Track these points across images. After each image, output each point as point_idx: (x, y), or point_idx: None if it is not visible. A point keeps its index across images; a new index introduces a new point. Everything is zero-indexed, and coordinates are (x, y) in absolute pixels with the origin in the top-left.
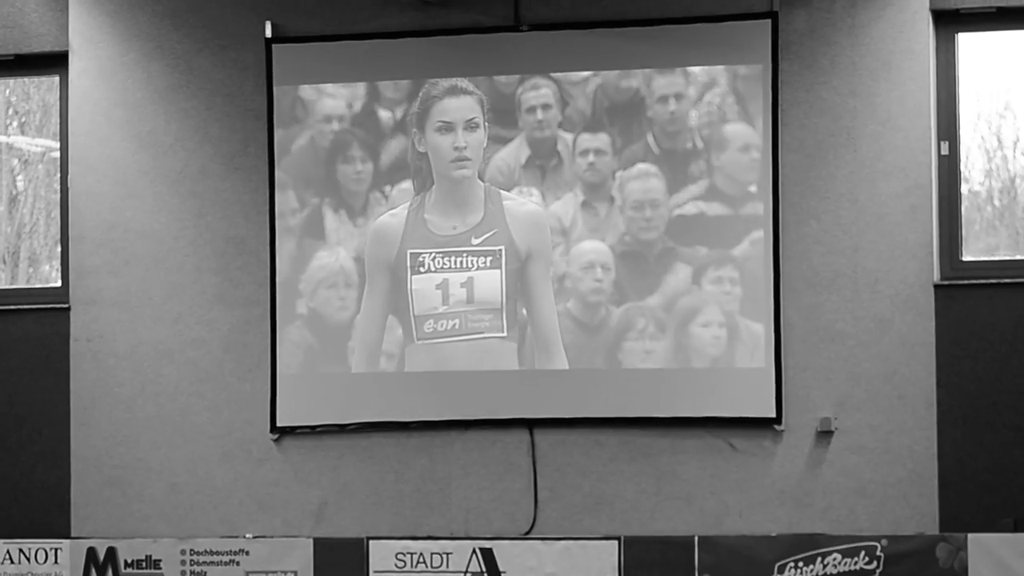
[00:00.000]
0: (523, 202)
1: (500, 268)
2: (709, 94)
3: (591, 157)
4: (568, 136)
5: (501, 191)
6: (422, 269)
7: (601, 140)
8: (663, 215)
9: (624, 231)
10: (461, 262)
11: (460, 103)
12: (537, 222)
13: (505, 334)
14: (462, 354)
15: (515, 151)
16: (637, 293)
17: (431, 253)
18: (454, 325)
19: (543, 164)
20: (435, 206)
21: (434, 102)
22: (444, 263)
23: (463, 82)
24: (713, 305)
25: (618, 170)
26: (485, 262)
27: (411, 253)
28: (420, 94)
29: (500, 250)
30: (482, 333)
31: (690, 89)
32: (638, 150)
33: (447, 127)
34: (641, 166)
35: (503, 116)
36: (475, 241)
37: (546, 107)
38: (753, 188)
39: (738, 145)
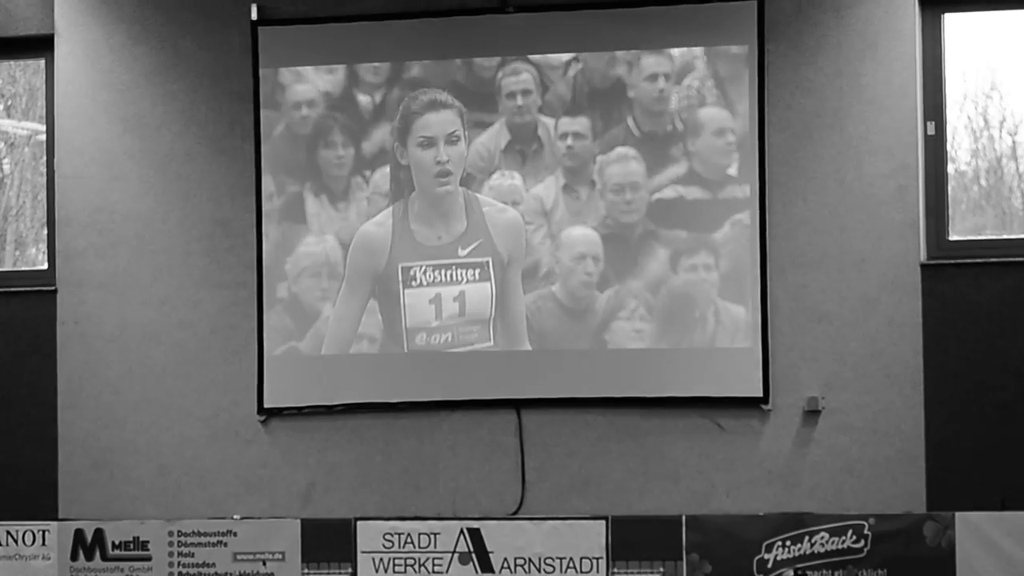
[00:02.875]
0: (501, 208)
1: (489, 280)
2: (688, 77)
3: (571, 141)
4: (549, 121)
5: (479, 196)
6: (414, 283)
7: (581, 124)
8: (643, 198)
9: (605, 215)
10: (451, 275)
11: (441, 117)
12: (516, 228)
13: (492, 343)
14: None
15: (495, 136)
16: (619, 276)
17: (421, 266)
18: (447, 339)
19: (523, 149)
20: (419, 216)
21: (415, 117)
22: (435, 276)
23: (442, 95)
24: (695, 288)
25: (599, 154)
26: (474, 275)
27: (402, 267)
28: (400, 108)
29: (487, 261)
30: (472, 344)
31: (675, 69)
32: (618, 133)
33: (429, 142)
34: (620, 149)
35: (483, 101)
36: (462, 252)
37: (526, 92)
38: (732, 171)
39: (713, 129)
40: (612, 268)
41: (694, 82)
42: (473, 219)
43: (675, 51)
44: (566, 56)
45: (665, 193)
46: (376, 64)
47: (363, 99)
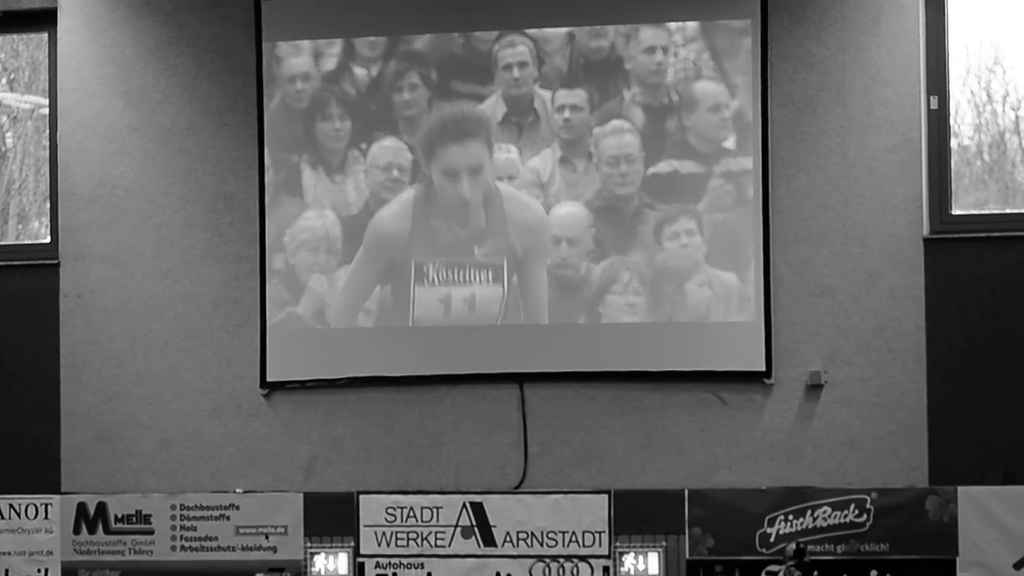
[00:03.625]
0: (524, 203)
1: (502, 283)
2: (684, 50)
3: (567, 113)
4: (545, 93)
5: (502, 188)
6: (425, 281)
7: (578, 96)
8: (638, 171)
9: (601, 187)
10: (464, 275)
11: (465, 152)
12: (536, 224)
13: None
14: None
15: (491, 108)
16: (616, 249)
17: (435, 263)
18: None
19: (520, 121)
20: (438, 211)
21: (439, 142)
22: (448, 275)
23: (471, 109)
24: (688, 259)
25: (595, 126)
26: (487, 276)
27: (416, 262)
28: (426, 124)
29: (502, 263)
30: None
31: (674, 40)
32: (614, 106)
33: (452, 173)
34: (615, 123)
35: (479, 73)
36: (477, 251)
37: (522, 64)
38: (729, 144)
39: (709, 104)
40: (609, 243)
41: (690, 55)
42: (493, 216)
43: (673, 24)
44: (563, 29)
45: (660, 167)
46: (373, 38)
47: (359, 72)
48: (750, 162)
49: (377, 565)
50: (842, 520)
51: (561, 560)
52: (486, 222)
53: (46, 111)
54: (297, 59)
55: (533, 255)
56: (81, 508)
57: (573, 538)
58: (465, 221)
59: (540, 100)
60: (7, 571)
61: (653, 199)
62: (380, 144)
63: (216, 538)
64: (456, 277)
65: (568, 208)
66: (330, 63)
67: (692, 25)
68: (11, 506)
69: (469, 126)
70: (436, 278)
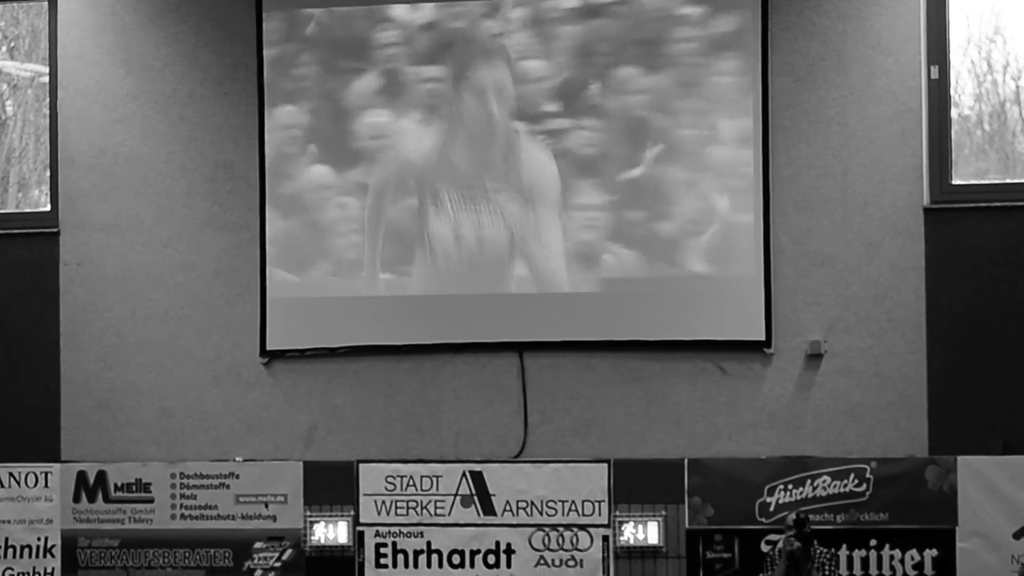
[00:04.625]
0: (536, 147)
1: (511, 225)
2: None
3: None
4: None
5: (519, 129)
6: (441, 213)
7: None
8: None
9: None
10: (478, 210)
11: (493, 73)
12: (547, 172)
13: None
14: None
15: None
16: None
17: (453, 194)
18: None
19: None
20: (459, 146)
21: (467, 65)
22: (463, 208)
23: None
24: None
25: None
26: (499, 213)
27: (431, 191)
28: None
29: (513, 203)
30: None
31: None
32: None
33: (480, 94)
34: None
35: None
36: (490, 186)
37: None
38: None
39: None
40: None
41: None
42: (509, 156)
43: None
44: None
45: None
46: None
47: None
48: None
49: (377, 534)
50: (842, 490)
51: (560, 529)
52: (504, 163)
53: (46, 79)
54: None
55: (544, 200)
56: (81, 477)
57: (573, 507)
58: (485, 149)
59: None
60: (7, 539)
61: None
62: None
63: (216, 507)
64: (470, 210)
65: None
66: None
67: None
68: (11, 474)
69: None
70: (452, 209)
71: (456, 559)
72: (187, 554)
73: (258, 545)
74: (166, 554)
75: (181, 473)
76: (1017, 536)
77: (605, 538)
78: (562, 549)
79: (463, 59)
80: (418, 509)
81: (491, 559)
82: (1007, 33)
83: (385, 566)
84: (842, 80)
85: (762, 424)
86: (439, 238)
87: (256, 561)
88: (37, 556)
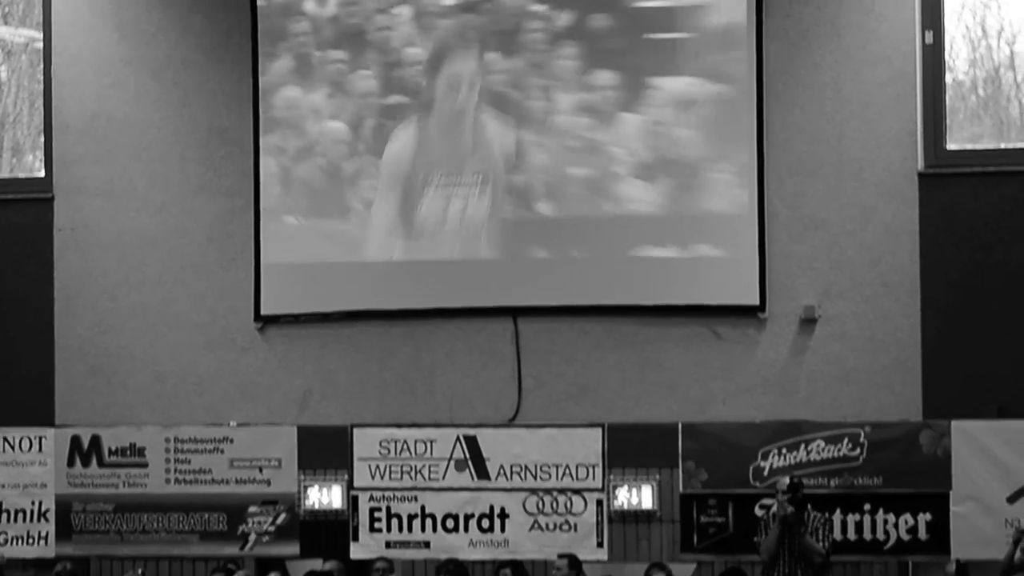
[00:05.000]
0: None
1: (488, 194)
2: None
3: None
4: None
5: (483, 114)
6: (429, 191)
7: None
8: None
9: None
10: (458, 187)
11: (466, 67)
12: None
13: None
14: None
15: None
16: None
17: (437, 175)
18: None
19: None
20: (436, 131)
21: (443, 57)
22: (446, 185)
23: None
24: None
25: None
26: (476, 186)
27: (422, 174)
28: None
29: (489, 176)
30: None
31: None
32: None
33: (454, 84)
34: None
35: None
36: (468, 168)
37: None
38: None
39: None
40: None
41: None
42: (479, 136)
43: None
44: None
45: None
46: None
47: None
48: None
49: (371, 498)
50: (836, 454)
51: (555, 493)
52: (473, 143)
53: (40, 44)
54: None
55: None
56: (75, 441)
57: (567, 471)
58: (460, 138)
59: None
60: (1, 504)
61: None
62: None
63: (210, 471)
64: (453, 187)
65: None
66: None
67: None
68: (5, 439)
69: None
70: (436, 188)
71: (450, 523)
72: (181, 518)
73: (252, 509)
74: (160, 518)
75: (175, 437)
76: (1011, 500)
77: (599, 502)
78: (556, 513)
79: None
80: (412, 473)
81: (485, 523)
82: None
83: (379, 530)
84: (836, 45)
85: (756, 389)
86: (432, 206)
87: (250, 525)
88: (31, 520)
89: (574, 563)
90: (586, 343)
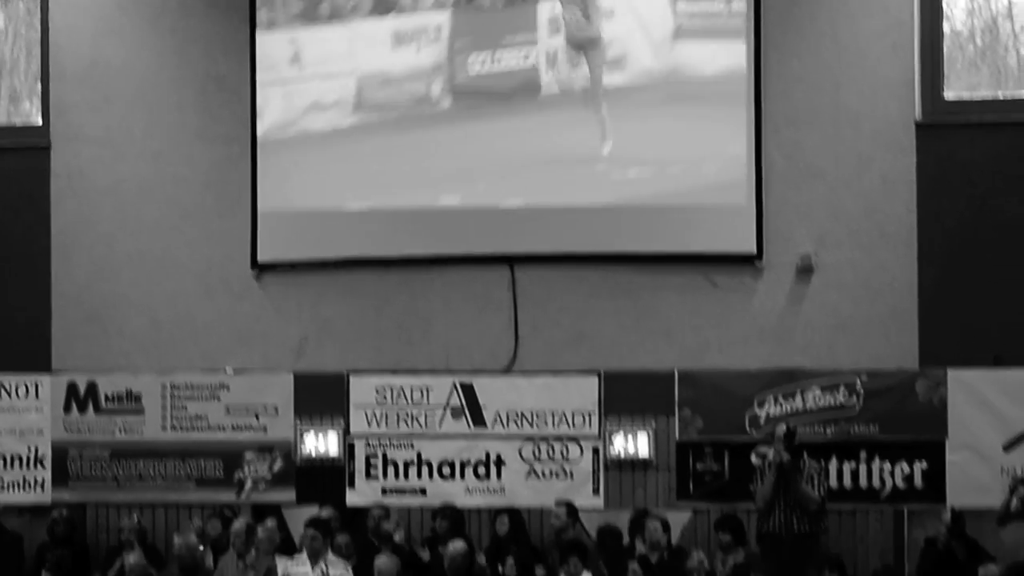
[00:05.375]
0: None
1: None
2: None
3: None
4: None
5: None
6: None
7: None
8: None
9: None
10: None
11: None
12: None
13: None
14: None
15: None
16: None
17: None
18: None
19: None
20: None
21: None
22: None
23: None
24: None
25: None
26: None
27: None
28: None
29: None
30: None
31: None
32: None
33: None
34: None
35: None
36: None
37: None
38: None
39: None
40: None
41: None
42: None
43: None
44: None
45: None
46: None
47: None
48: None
49: (367, 444)
50: (832, 402)
51: (551, 441)
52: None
53: None
54: None
55: None
56: (71, 387)
57: (563, 418)
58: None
59: None
60: None
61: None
62: None
63: (206, 418)
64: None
65: None
66: None
67: None
68: (1, 385)
69: None
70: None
71: (446, 470)
72: (177, 465)
73: (248, 456)
74: (156, 465)
75: (171, 384)
76: (1007, 448)
77: (595, 450)
78: (552, 461)
79: None
80: (409, 420)
81: (481, 470)
82: None
83: (375, 477)
84: None
85: (752, 337)
86: (430, 152)
87: (246, 472)
88: (27, 467)
89: (572, 511)
90: (583, 291)
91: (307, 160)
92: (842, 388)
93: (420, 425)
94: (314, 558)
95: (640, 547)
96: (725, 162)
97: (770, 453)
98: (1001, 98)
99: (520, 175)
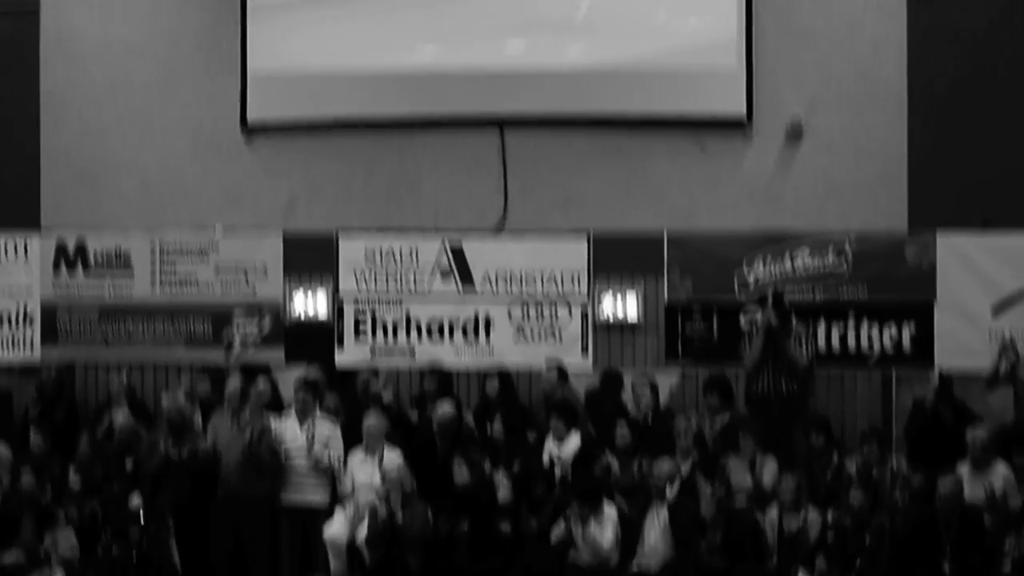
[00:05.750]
0: None
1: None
2: None
3: None
4: None
5: None
6: None
7: None
8: None
9: None
10: None
11: None
12: None
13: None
14: None
15: None
16: None
17: None
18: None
19: None
20: None
21: None
22: None
23: None
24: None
25: None
26: None
27: None
28: None
29: None
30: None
31: None
32: None
33: None
34: None
35: None
36: None
37: None
38: None
39: None
40: None
41: None
42: None
43: None
44: None
45: None
46: None
47: None
48: None
49: (355, 302)
50: (821, 265)
51: (540, 302)
52: None
53: None
54: None
55: None
56: (61, 247)
57: (552, 280)
58: None
59: None
60: None
61: None
62: None
63: (196, 277)
64: None
65: None
66: None
67: None
68: None
69: None
70: None
71: (435, 332)
72: (166, 325)
73: (238, 316)
74: (145, 324)
75: (161, 242)
76: (995, 312)
77: (584, 312)
78: (541, 322)
79: None
80: (398, 280)
81: (470, 332)
82: None
83: (364, 338)
84: None
85: (742, 201)
86: (419, 12)
87: (235, 331)
88: (16, 325)
89: (562, 373)
90: (572, 154)
91: (299, 20)
92: (831, 250)
93: (409, 286)
94: (302, 417)
95: (631, 407)
96: (715, 23)
97: (759, 314)
98: None
99: (511, 37)
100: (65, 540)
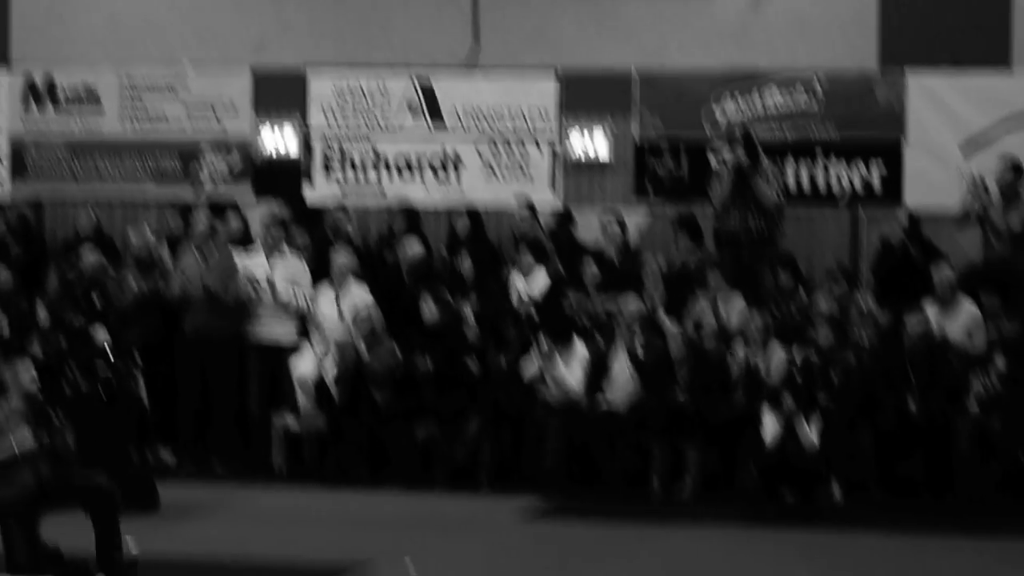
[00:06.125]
0: None
1: None
2: None
3: None
4: None
5: None
6: None
7: None
8: None
9: None
10: None
11: None
12: None
13: None
14: None
15: None
16: None
17: None
18: None
19: None
20: None
21: None
22: None
23: None
24: None
25: None
26: None
27: None
28: None
29: None
30: None
31: None
32: None
33: None
34: None
35: None
36: None
37: None
38: None
39: None
40: None
41: None
42: None
43: None
44: None
45: None
46: None
47: None
48: None
49: (324, 138)
50: (791, 104)
51: (508, 138)
52: None
53: None
54: None
55: None
56: (30, 85)
57: (521, 116)
58: None
59: None
60: None
61: None
62: None
63: (164, 113)
64: None
65: None
66: None
67: None
68: None
69: None
70: None
71: (404, 169)
72: (135, 161)
73: (207, 152)
74: (114, 161)
75: (129, 77)
76: (964, 151)
77: (554, 150)
78: (511, 160)
79: None
80: (366, 116)
81: (440, 170)
82: None
83: (334, 175)
84: None
85: (712, 40)
86: None
87: (204, 168)
88: None
89: (531, 209)
90: None
91: None
92: (800, 87)
93: (379, 122)
94: (269, 252)
95: (603, 242)
96: None
97: (727, 151)
98: None
99: None
100: (25, 371)
